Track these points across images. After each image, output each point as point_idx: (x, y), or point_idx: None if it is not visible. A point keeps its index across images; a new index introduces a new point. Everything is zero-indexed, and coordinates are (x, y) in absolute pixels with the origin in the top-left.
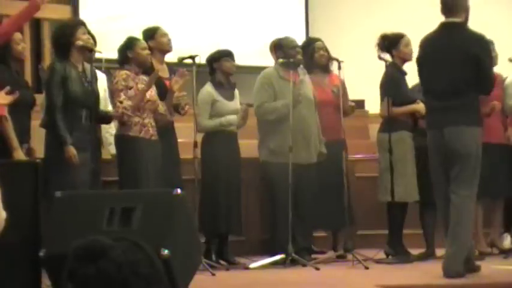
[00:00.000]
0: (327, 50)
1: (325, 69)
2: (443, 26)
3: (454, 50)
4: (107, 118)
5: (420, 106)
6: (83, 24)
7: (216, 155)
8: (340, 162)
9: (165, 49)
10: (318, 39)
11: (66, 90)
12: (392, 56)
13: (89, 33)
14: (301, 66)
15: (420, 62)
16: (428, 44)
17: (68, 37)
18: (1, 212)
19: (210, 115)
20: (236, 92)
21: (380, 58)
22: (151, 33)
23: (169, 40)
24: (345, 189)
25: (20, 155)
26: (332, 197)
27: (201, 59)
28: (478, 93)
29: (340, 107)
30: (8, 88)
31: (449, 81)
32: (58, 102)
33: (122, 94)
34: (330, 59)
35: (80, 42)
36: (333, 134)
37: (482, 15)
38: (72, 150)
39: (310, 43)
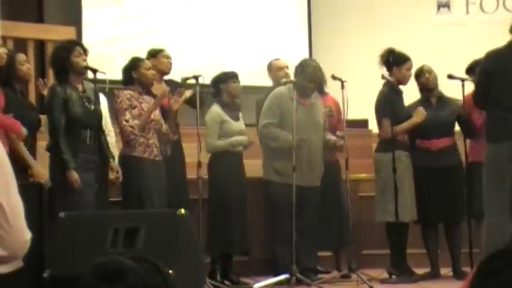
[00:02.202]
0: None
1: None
2: None
3: None
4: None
5: (416, 118)
6: (77, 44)
7: (224, 175)
8: (338, 183)
9: (163, 70)
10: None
11: (68, 112)
12: (390, 74)
13: (84, 50)
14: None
15: (490, 73)
16: (498, 57)
17: (63, 60)
18: (25, 231)
19: (219, 135)
20: (240, 113)
21: (383, 78)
22: (154, 53)
23: (170, 63)
24: (345, 209)
25: (38, 170)
26: (330, 217)
27: (204, 79)
28: None
29: (336, 128)
30: (11, 115)
31: None
32: (61, 125)
33: (127, 113)
34: (334, 78)
35: (80, 65)
36: (327, 155)
37: None
38: (74, 175)
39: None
